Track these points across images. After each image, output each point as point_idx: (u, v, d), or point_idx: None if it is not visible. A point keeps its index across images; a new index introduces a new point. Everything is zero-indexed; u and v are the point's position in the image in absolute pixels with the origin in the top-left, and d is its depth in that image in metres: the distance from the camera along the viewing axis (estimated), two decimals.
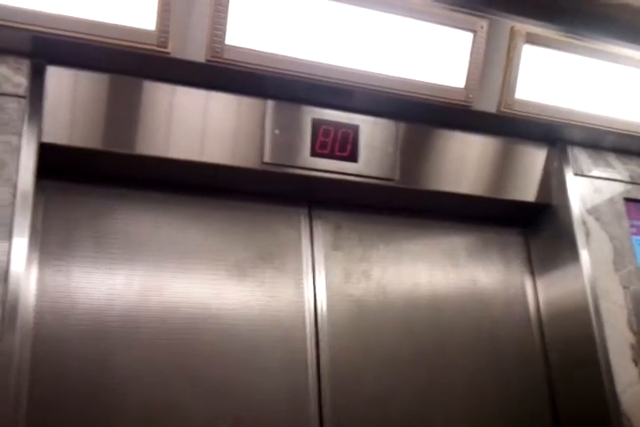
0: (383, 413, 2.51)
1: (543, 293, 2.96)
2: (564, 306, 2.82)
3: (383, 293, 2.69)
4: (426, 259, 2.84)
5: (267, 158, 2.44)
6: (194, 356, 2.30)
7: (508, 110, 2.69)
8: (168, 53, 2.19)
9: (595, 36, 2.81)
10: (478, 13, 2.58)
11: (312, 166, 2.51)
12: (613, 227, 2.93)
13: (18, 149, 2.06)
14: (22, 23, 2.02)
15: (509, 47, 2.65)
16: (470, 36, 2.57)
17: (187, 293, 2.37)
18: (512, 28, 2.64)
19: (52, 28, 2.05)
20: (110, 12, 2.12)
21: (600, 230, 2.89)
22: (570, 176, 2.91)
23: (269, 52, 2.32)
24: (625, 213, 3.00)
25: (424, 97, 2.56)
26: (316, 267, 2.62)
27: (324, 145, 2.53)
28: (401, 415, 2.54)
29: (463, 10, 2.56)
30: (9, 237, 1.96)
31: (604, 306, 2.72)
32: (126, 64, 2.24)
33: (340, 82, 2.43)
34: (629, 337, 2.74)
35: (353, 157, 2.57)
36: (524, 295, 2.97)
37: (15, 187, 2.02)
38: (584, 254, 2.78)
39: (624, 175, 3.08)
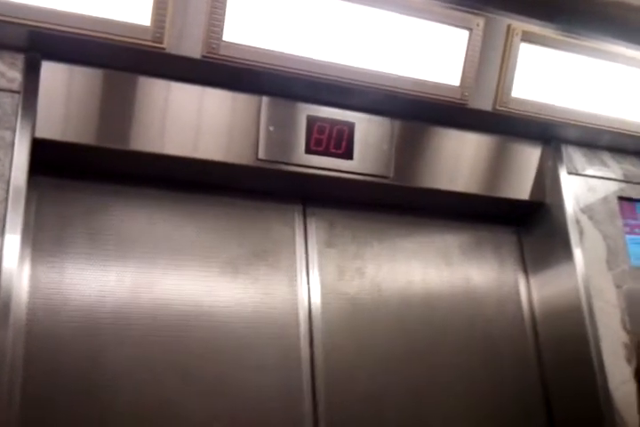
0: (377, 411, 2.51)
1: (537, 291, 2.97)
2: (558, 305, 2.83)
3: (377, 290, 2.69)
4: (420, 257, 2.84)
5: (261, 155, 2.43)
6: (186, 353, 2.30)
7: (504, 108, 2.69)
8: (163, 49, 2.18)
9: (591, 34, 2.81)
10: (474, 11, 2.57)
11: (307, 163, 2.51)
12: (607, 226, 2.94)
13: (11, 145, 2.05)
14: (17, 18, 2.00)
15: (505, 45, 2.64)
16: (466, 33, 2.57)
17: (180, 290, 2.37)
18: (508, 26, 2.64)
19: (48, 23, 2.03)
20: (106, 8, 2.10)
21: (594, 229, 2.89)
22: (564, 175, 2.91)
23: (265, 48, 2.31)
24: (619, 212, 3.00)
25: (419, 94, 2.56)
26: (310, 264, 2.62)
27: (318, 142, 2.52)
28: (395, 413, 2.54)
29: (459, 7, 2.55)
30: (1, 233, 1.95)
31: (598, 305, 2.72)
32: (121, 59, 2.22)
33: (336, 79, 2.43)
34: (622, 336, 2.74)
35: (348, 155, 2.57)
36: (518, 294, 2.98)
37: (8, 183, 2.01)
38: (577, 253, 2.78)
39: (618, 174, 3.08)
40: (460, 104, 2.63)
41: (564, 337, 2.77)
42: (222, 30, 2.23)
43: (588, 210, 2.92)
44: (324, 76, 2.41)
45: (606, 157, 3.09)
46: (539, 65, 2.73)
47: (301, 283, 2.57)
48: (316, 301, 2.56)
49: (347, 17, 2.40)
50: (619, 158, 3.11)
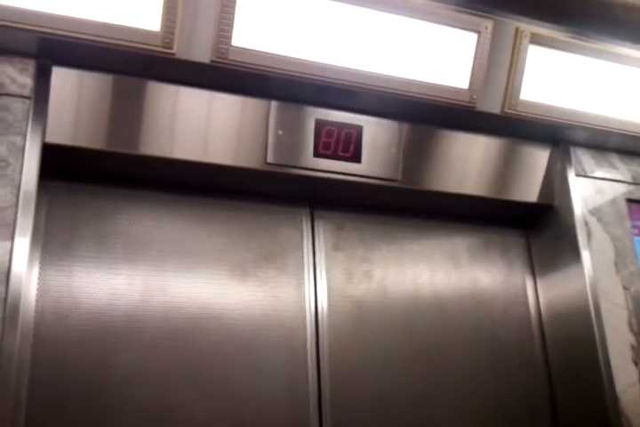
0: (383, 413, 2.52)
1: (544, 293, 2.97)
2: (565, 307, 2.83)
3: (384, 293, 2.70)
4: (428, 260, 2.85)
5: (270, 159, 2.44)
6: (195, 356, 2.31)
7: (512, 111, 2.69)
8: (173, 54, 2.19)
9: (599, 36, 2.81)
10: (483, 14, 2.57)
11: (315, 167, 2.51)
12: (615, 228, 2.93)
13: (22, 150, 2.06)
14: (28, 24, 2.02)
15: (514, 48, 2.64)
16: (474, 36, 2.57)
17: (189, 293, 2.38)
18: (517, 28, 2.63)
19: (58, 29, 2.05)
20: (116, 13, 2.11)
21: (602, 231, 2.89)
22: (572, 177, 2.91)
23: (274, 53, 2.32)
24: (627, 214, 3.00)
25: (428, 98, 2.56)
26: (318, 267, 2.63)
27: (327, 145, 2.53)
28: (401, 416, 2.55)
29: (467, 10, 2.55)
30: (11, 237, 1.97)
31: (605, 307, 2.72)
32: (131, 65, 2.24)
33: (344, 83, 2.43)
34: (630, 338, 2.74)
35: (356, 158, 2.57)
36: (525, 296, 2.98)
37: (19, 187, 2.02)
38: (585, 255, 2.78)
39: (626, 176, 3.07)
40: (469, 107, 2.63)
41: (572, 339, 2.77)
42: (231, 35, 2.24)
43: (596, 212, 2.91)
44: (332, 80, 2.41)
45: (615, 159, 3.08)
46: (547, 67, 2.73)
47: (309, 286, 2.58)
48: (324, 303, 2.57)
49: (355, 21, 2.40)
50: (627, 160, 3.10)
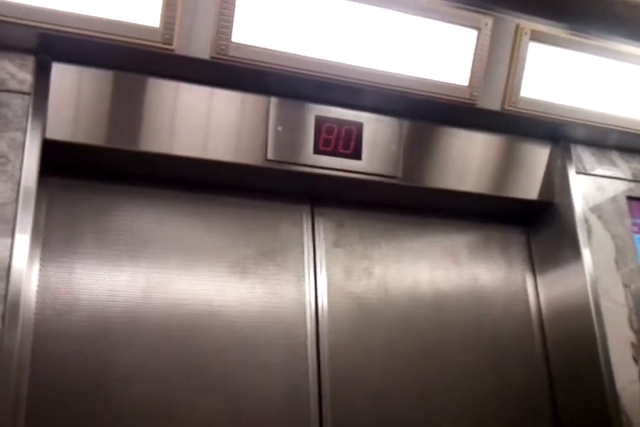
0: (384, 410, 2.52)
1: (544, 291, 2.97)
2: (566, 304, 2.83)
3: (384, 290, 2.70)
4: (427, 257, 2.85)
5: (270, 155, 2.44)
6: (195, 353, 2.31)
7: (513, 108, 2.69)
8: (172, 50, 2.19)
9: (600, 33, 2.81)
10: (483, 11, 2.57)
11: (315, 164, 2.51)
12: (615, 225, 2.93)
13: (22, 146, 2.06)
14: (28, 20, 2.02)
15: (514, 45, 2.64)
16: (475, 33, 2.57)
17: (188, 289, 2.38)
18: (517, 25, 2.63)
19: (58, 25, 2.05)
20: (115, 9, 2.11)
21: (602, 229, 2.89)
22: (573, 174, 2.91)
23: (274, 49, 2.32)
24: (627, 212, 2.99)
25: (428, 94, 2.56)
26: (318, 264, 2.63)
27: (327, 142, 2.53)
28: (401, 413, 2.55)
29: (467, 7, 2.55)
30: (12, 233, 1.97)
31: (605, 305, 2.72)
32: (131, 61, 2.24)
33: (344, 79, 2.43)
34: (630, 336, 2.74)
35: (356, 155, 2.57)
36: (526, 293, 2.98)
37: (19, 183, 2.02)
38: (586, 253, 2.77)
39: (627, 174, 3.07)
40: (469, 104, 2.63)
41: (572, 337, 2.77)
42: (231, 31, 2.24)
43: (596, 209, 2.91)
44: (333, 77, 2.41)
45: (615, 156, 3.08)
46: (547, 64, 2.73)
47: (309, 283, 2.58)
48: (324, 300, 2.57)
49: (355, 17, 2.40)
50: (628, 158, 3.10)
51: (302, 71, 2.37)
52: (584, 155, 3.00)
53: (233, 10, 2.22)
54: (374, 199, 2.79)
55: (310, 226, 2.68)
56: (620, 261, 2.86)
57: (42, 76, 2.15)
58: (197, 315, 2.36)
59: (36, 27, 2.04)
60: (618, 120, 2.89)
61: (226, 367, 2.34)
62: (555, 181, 2.92)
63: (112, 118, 2.24)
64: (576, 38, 2.74)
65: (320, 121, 2.53)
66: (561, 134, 2.93)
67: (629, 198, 3.02)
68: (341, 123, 2.56)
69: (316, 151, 2.51)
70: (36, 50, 2.15)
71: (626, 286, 2.82)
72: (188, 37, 2.21)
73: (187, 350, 2.30)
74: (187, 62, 2.26)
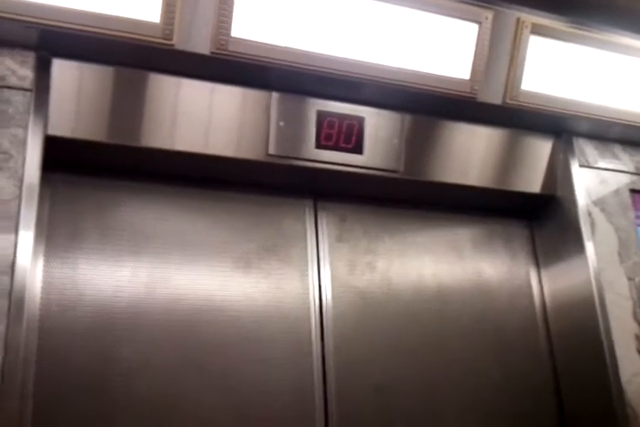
0: (388, 404, 2.52)
1: (548, 284, 2.96)
2: (570, 298, 2.82)
3: (388, 284, 2.70)
4: (431, 251, 2.85)
5: (272, 150, 2.44)
6: (199, 348, 2.32)
7: (514, 102, 2.69)
8: (173, 46, 2.20)
9: (601, 26, 2.80)
10: (483, 4, 2.57)
11: (317, 158, 2.52)
12: (619, 218, 2.93)
13: (24, 142, 2.07)
14: (28, 16, 2.02)
15: (515, 38, 2.64)
16: (475, 27, 2.56)
17: (192, 285, 2.39)
18: (518, 18, 2.63)
19: (58, 21, 2.05)
20: (115, 5, 2.12)
21: (605, 222, 2.89)
22: (575, 167, 2.91)
23: (274, 44, 2.32)
24: (630, 205, 2.99)
25: (429, 88, 2.56)
26: (321, 259, 2.63)
27: (328, 137, 2.53)
28: (406, 407, 2.55)
29: (468, 1, 2.55)
30: (15, 230, 1.97)
31: (609, 297, 2.72)
32: (131, 57, 2.24)
33: (345, 74, 2.43)
34: (634, 328, 2.74)
35: (358, 149, 2.57)
36: (529, 287, 2.97)
37: (21, 180, 2.03)
38: (589, 246, 2.77)
39: (630, 167, 3.07)
40: (470, 98, 2.63)
41: (576, 330, 2.77)
42: (231, 26, 2.24)
43: (599, 203, 2.91)
44: (334, 71, 2.41)
45: (618, 149, 3.08)
46: (548, 58, 2.72)
47: (312, 277, 2.58)
48: (327, 295, 2.58)
49: (355, 11, 2.40)
50: (630, 151, 3.10)
51: (303, 66, 2.37)
52: (587, 148, 3.00)
53: (232, 5, 2.23)
54: (376, 194, 2.79)
55: (313, 221, 2.68)
56: (623, 254, 2.86)
57: (43, 72, 2.16)
58: (201, 310, 2.36)
59: (36, 23, 2.04)
60: (620, 113, 2.89)
61: (230, 362, 2.34)
62: (557, 175, 2.92)
63: (113, 114, 2.25)
64: (577, 31, 2.74)
65: (321, 115, 2.53)
66: (563, 128, 2.93)
67: (632, 191, 3.02)
68: (343, 117, 2.56)
69: (318, 146, 2.51)
70: (37, 46, 2.15)
71: (630, 278, 2.82)
72: (188, 33, 2.22)
73: (191, 345, 2.31)
74: (187, 58, 2.26)
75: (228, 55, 2.27)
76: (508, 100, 2.68)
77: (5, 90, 2.10)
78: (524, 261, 3.02)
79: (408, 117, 2.68)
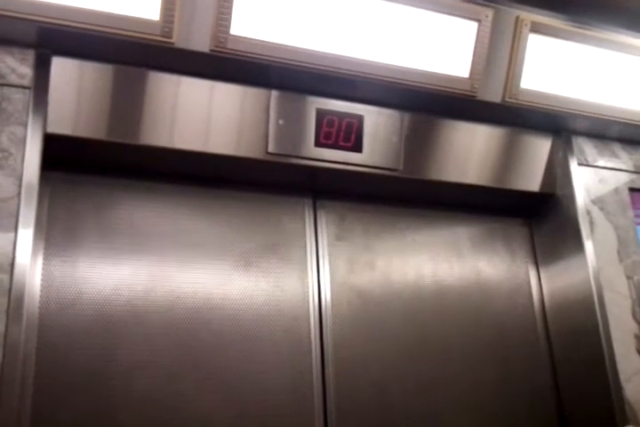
0: (387, 403, 2.52)
1: (547, 283, 2.97)
2: (569, 296, 2.82)
3: (387, 283, 2.70)
4: (430, 249, 2.85)
5: (271, 149, 2.44)
6: (198, 346, 2.32)
7: (513, 100, 2.68)
8: (172, 44, 2.19)
9: (600, 24, 2.80)
10: (483, 2, 2.57)
11: (316, 157, 2.51)
12: (618, 217, 2.93)
13: (23, 140, 2.07)
14: (28, 14, 2.02)
15: (514, 36, 2.63)
16: (475, 25, 2.56)
17: (192, 283, 2.38)
18: (517, 17, 2.63)
19: (58, 19, 2.05)
20: (115, 3, 2.11)
21: (604, 220, 2.89)
22: (574, 166, 2.91)
23: (273, 41, 2.31)
24: (629, 203, 2.99)
25: (428, 87, 2.56)
26: (321, 257, 2.63)
27: (328, 135, 2.53)
28: (405, 405, 2.55)
29: None
30: (14, 228, 1.97)
31: (608, 296, 2.72)
32: (131, 54, 2.24)
33: (345, 72, 2.43)
34: (633, 327, 2.74)
35: (357, 148, 2.57)
36: (529, 286, 2.98)
37: (20, 178, 2.03)
38: (588, 245, 2.77)
39: (629, 165, 3.07)
40: (470, 96, 2.63)
41: (575, 329, 2.77)
42: (230, 24, 2.24)
43: (598, 201, 2.91)
44: (333, 69, 2.41)
45: (617, 147, 3.08)
46: (548, 56, 2.72)
47: (312, 276, 2.58)
48: (327, 293, 2.58)
49: (354, 9, 2.40)
50: (629, 149, 3.10)
51: (303, 64, 2.37)
52: (586, 146, 3.00)
53: (231, 2, 2.22)
54: (376, 192, 2.79)
55: (312, 219, 2.68)
56: (622, 253, 2.86)
57: (42, 70, 2.15)
58: (200, 309, 2.36)
59: (35, 21, 2.04)
60: (619, 112, 2.89)
61: (229, 361, 2.34)
62: (556, 173, 2.92)
63: (112, 112, 2.24)
64: (577, 30, 2.74)
65: (321, 114, 2.53)
66: (562, 126, 2.93)
67: (631, 190, 3.03)
68: (342, 115, 2.56)
69: (317, 144, 2.51)
70: (37, 44, 2.15)
71: (629, 277, 2.82)
72: (188, 30, 2.21)
73: (190, 343, 2.31)
74: (186, 55, 2.26)
75: (228, 53, 2.26)
76: (507, 99, 2.68)
77: (5, 88, 2.10)
78: (523, 260, 3.02)
79: (407, 116, 2.68)
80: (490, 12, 2.56)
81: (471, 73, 2.60)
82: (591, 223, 2.84)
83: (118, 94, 2.26)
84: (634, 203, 3.00)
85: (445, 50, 2.56)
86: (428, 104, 2.68)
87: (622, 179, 3.03)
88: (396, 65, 2.49)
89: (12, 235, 1.97)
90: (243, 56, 2.29)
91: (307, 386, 2.41)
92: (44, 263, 2.20)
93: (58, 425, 2.07)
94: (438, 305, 2.76)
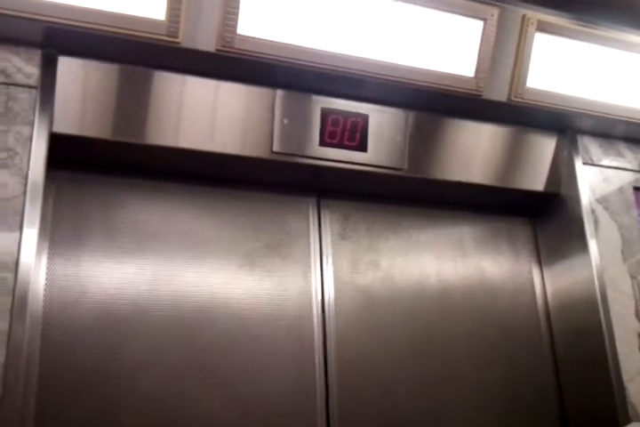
0: (390, 401, 2.53)
1: (551, 282, 2.97)
2: (572, 296, 2.82)
3: (391, 282, 2.71)
4: (434, 249, 2.85)
5: (276, 148, 2.44)
6: (202, 345, 2.32)
7: (519, 99, 2.68)
8: (178, 43, 2.19)
9: (606, 23, 2.79)
10: (489, 1, 2.56)
11: (321, 156, 2.51)
12: (622, 216, 2.93)
13: (29, 139, 2.07)
14: (34, 14, 2.02)
15: (520, 35, 2.63)
16: (480, 24, 2.55)
17: (195, 282, 2.39)
18: (523, 15, 2.62)
19: (64, 19, 2.05)
20: (121, 3, 2.11)
21: (609, 220, 2.89)
22: (579, 165, 2.90)
23: (279, 41, 2.31)
24: (634, 203, 2.99)
25: (434, 86, 2.55)
26: (324, 256, 2.64)
27: (332, 134, 2.52)
28: (408, 404, 2.56)
29: None
30: (19, 227, 1.98)
31: (612, 295, 2.72)
32: (137, 54, 2.24)
33: (350, 71, 2.43)
34: (637, 326, 2.74)
35: (362, 147, 2.57)
36: (532, 285, 2.98)
37: (26, 177, 2.03)
38: (592, 244, 2.77)
39: (634, 164, 3.07)
40: (475, 95, 2.62)
41: (579, 328, 2.77)
42: (236, 24, 2.24)
43: (603, 200, 2.91)
44: (338, 69, 2.41)
45: (622, 147, 3.07)
46: (554, 55, 2.72)
47: (315, 275, 2.59)
48: (330, 293, 2.58)
49: (360, 9, 2.39)
50: (634, 149, 3.09)
51: (308, 63, 2.37)
52: (591, 146, 3.00)
53: (238, 2, 2.22)
54: (380, 191, 2.79)
55: (316, 218, 2.68)
56: (626, 252, 2.86)
57: (48, 69, 2.16)
58: (204, 308, 2.37)
59: (42, 21, 2.04)
60: (625, 111, 2.88)
61: (233, 360, 2.35)
62: (561, 173, 2.92)
63: (118, 112, 2.25)
64: (583, 28, 2.73)
65: (326, 113, 2.53)
66: (567, 125, 2.92)
67: (636, 189, 3.02)
68: (347, 115, 2.56)
69: (322, 143, 2.51)
70: (43, 44, 2.15)
71: (632, 276, 2.82)
72: (194, 30, 2.21)
73: (194, 342, 2.32)
74: (192, 55, 2.26)
75: (234, 53, 2.26)
76: (512, 98, 2.67)
77: (11, 87, 2.10)
78: (527, 259, 3.02)
79: (412, 115, 2.68)
80: (496, 11, 2.55)
81: (477, 72, 2.59)
82: (595, 222, 2.84)
83: (124, 94, 2.26)
84: (638, 202, 3.00)
85: (451, 49, 2.55)
86: (434, 103, 2.67)
87: (627, 178, 3.02)
88: (402, 64, 2.48)
89: (17, 234, 1.97)
90: (249, 56, 2.28)
91: (310, 386, 2.42)
92: (48, 262, 2.21)
93: (61, 424, 2.08)
94: (442, 304, 2.77)
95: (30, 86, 2.12)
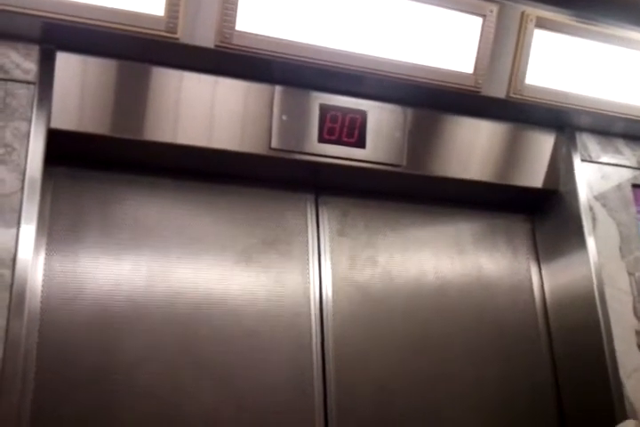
0: (388, 399, 2.53)
1: (549, 279, 2.97)
2: (570, 293, 2.82)
3: (389, 279, 2.70)
4: (432, 245, 2.84)
5: (274, 144, 2.44)
6: (199, 342, 2.32)
7: (518, 96, 2.67)
8: (177, 39, 2.19)
9: (606, 20, 2.79)
10: None
11: (319, 152, 2.51)
12: (620, 213, 2.93)
13: (27, 135, 2.07)
14: (32, 9, 2.01)
15: (519, 32, 2.62)
16: (480, 20, 2.55)
17: (193, 279, 2.39)
18: (522, 12, 2.61)
19: (62, 14, 2.04)
20: None
21: (607, 217, 2.89)
22: (578, 162, 2.90)
23: (278, 37, 2.30)
24: (632, 200, 2.99)
25: (432, 82, 2.55)
26: (322, 253, 2.63)
27: (331, 131, 2.52)
28: (405, 401, 2.56)
29: None
30: (17, 223, 1.98)
31: (610, 292, 2.72)
32: (135, 50, 2.24)
33: (348, 67, 2.42)
34: (634, 324, 2.75)
35: (360, 143, 2.56)
36: (530, 282, 2.98)
37: (24, 173, 2.03)
38: (590, 241, 2.77)
39: (632, 161, 3.06)
40: (474, 92, 2.62)
41: (576, 325, 2.77)
42: (235, 20, 2.23)
43: (601, 197, 2.91)
44: (337, 65, 2.40)
45: (620, 144, 3.07)
46: (553, 52, 2.71)
47: (313, 271, 2.59)
48: (328, 289, 2.58)
49: (358, 4, 2.39)
50: (633, 146, 3.09)
51: (307, 59, 2.36)
52: (589, 143, 2.99)
53: None
54: (379, 188, 2.79)
55: (315, 215, 2.68)
56: (624, 249, 2.87)
57: (46, 65, 2.15)
58: (202, 304, 2.37)
59: (40, 16, 2.03)
60: (623, 108, 2.88)
61: (230, 356, 2.35)
62: (560, 169, 2.92)
63: (116, 107, 2.24)
64: (582, 25, 2.72)
65: (324, 109, 2.52)
66: (566, 122, 2.92)
67: (634, 186, 3.02)
68: (346, 111, 2.55)
69: (321, 140, 2.51)
70: (41, 39, 2.15)
71: (630, 273, 2.82)
72: (193, 26, 2.20)
73: (191, 339, 2.31)
74: (191, 51, 2.25)
75: (233, 49, 2.26)
76: (511, 95, 2.67)
77: (9, 83, 2.10)
78: (525, 256, 3.02)
79: (411, 111, 2.67)
80: (495, 8, 2.55)
81: (475, 68, 2.59)
82: (593, 220, 2.83)
83: (122, 90, 2.25)
84: (636, 199, 3.00)
85: (450, 45, 2.55)
86: (432, 100, 2.67)
87: (625, 175, 3.02)
88: (400, 60, 2.48)
89: (15, 230, 1.97)
90: (248, 52, 2.28)
91: (307, 382, 2.42)
92: (45, 258, 2.20)
93: (59, 420, 2.08)
94: (439, 301, 2.76)
95: (28, 82, 2.12)
